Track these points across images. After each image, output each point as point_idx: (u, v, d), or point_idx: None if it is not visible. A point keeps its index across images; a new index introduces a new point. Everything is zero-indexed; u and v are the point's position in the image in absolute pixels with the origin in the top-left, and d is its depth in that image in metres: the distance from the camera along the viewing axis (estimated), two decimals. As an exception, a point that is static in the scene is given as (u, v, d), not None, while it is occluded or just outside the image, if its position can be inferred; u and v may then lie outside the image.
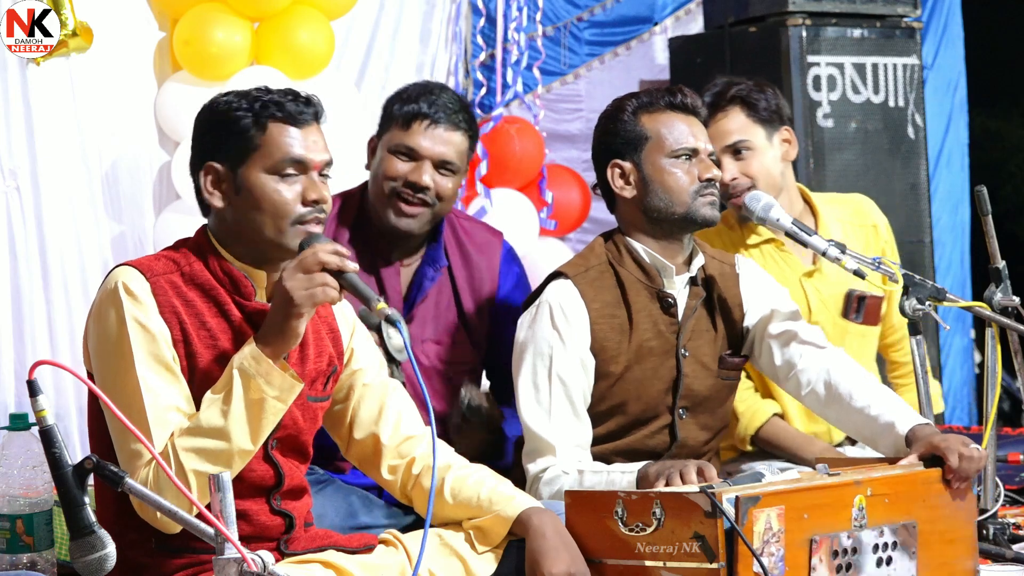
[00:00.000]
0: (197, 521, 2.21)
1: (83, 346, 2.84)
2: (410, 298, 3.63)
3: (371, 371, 3.00)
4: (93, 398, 2.82)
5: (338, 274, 2.70)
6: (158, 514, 2.62)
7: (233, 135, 2.81)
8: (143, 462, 2.66)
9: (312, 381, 2.88)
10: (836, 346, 3.86)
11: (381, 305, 2.68)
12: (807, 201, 4.08)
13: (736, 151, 3.91)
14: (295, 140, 2.80)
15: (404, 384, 3.35)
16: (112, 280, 2.76)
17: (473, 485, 2.89)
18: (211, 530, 2.19)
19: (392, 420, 2.96)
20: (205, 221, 2.90)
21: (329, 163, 2.84)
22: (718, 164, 3.77)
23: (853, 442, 3.97)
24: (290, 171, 2.79)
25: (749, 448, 3.90)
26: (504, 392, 3.69)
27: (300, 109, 2.82)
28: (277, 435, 2.82)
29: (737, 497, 2.64)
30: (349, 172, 4.20)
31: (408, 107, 3.58)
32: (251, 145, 2.80)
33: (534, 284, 3.58)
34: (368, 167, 3.68)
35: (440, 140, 3.57)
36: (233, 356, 2.70)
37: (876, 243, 4.10)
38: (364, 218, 3.64)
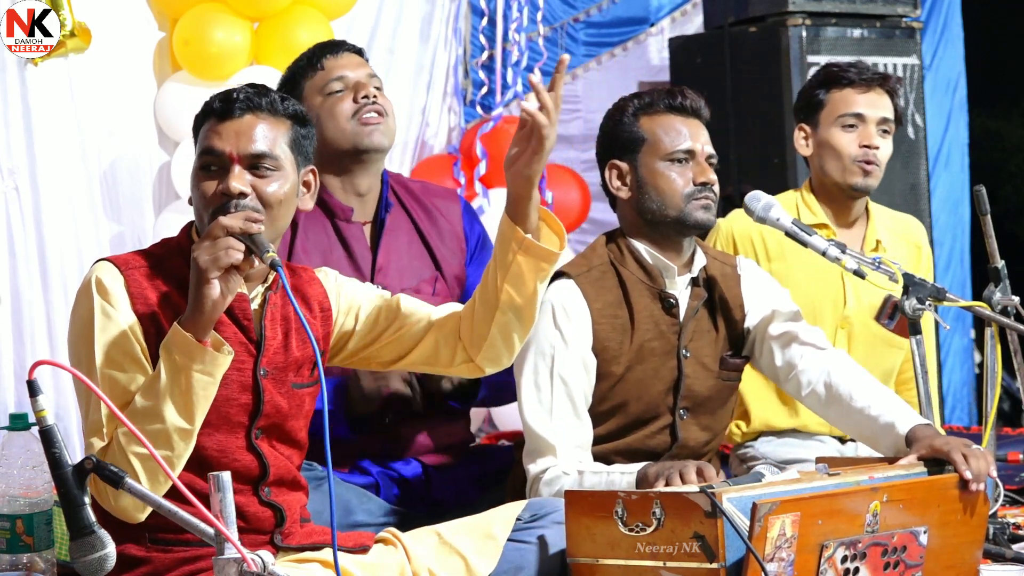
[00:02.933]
0: (197, 521, 2.20)
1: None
2: (375, 249, 3.67)
3: (380, 299, 3.03)
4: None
5: (247, 237, 2.70)
6: (111, 500, 2.66)
7: (196, 141, 2.87)
8: (95, 452, 2.68)
9: (297, 368, 2.89)
10: (864, 346, 3.88)
11: (269, 254, 2.69)
12: (866, 204, 4.12)
13: (884, 130, 4.02)
14: (212, 133, 2.82)
15: None
16: (88, 275, 2.80)
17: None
18: (211, 530, 2.19)
19: (426, 309, 3.04)
20: None
21: (255, 155, 2.80)
22: (865, 126, 3.95)
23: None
24: (211, 166, 2.81)
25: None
26: None
27: (226, 99, 2.83)
28: (259, 424, 2.83)
29: (754, 503, 2.62)
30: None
31: (312, 59, 3.67)
32: (197, 147, 2.86)
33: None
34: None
35: (353, 63, 3.67)
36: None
37: (918, 263, 4.11)
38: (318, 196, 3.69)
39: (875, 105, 4.00)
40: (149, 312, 2.76)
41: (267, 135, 2.82)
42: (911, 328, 3.40)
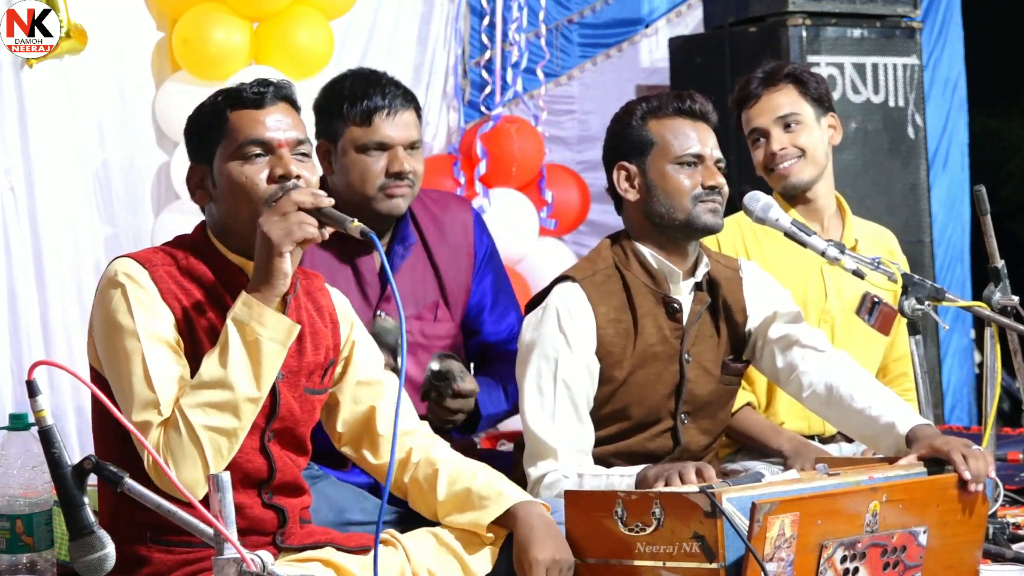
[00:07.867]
0: (196, 521, 2.20)
1: (88, 341, 2.85)
2: (384, 278, 3.63)
3: (369, 367, 3.01)
4: (97, 401, 2.83)
5: (316, 212, 2.72)
6: (147, 463, 2.65)
7: (202, 132, 2.87)
8: (152, 429, 2.66)
9: (310, 373, 2.88)
10: (843, 339, 3.88)
11: (355, 223, 2.71)
12: (839, 201, 4.10)
13: (787, 124, 3.98)
14: (255, 123, 2.82)
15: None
16: (112, 269, 2.78)
17: (467, 478, 2.90)
18: (210, 530, 2.19)
19: (387, 414, 2.97)
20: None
21: (300, 141, 2.84)
22: (767, 137, 3.93)
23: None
24: (256, 152, 2.81)
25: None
26: (486, 365, 3.75)
27: (258, 91, 2.84)
28: (274, 426, 2.83)
29: (753, 503, 2.62)
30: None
31: (362, 104, 3.58)
32: (217, 137, 2.83)
33: (534, 287, 3.59)
34: (328, 171, 3.64)
35: (401, 125, 3.57)
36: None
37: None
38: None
39: (766, 112, 3.98)
40: (179, 306, 2.76)
41: (296, 123, 2.85)
42: (910, 328, 3.40)
